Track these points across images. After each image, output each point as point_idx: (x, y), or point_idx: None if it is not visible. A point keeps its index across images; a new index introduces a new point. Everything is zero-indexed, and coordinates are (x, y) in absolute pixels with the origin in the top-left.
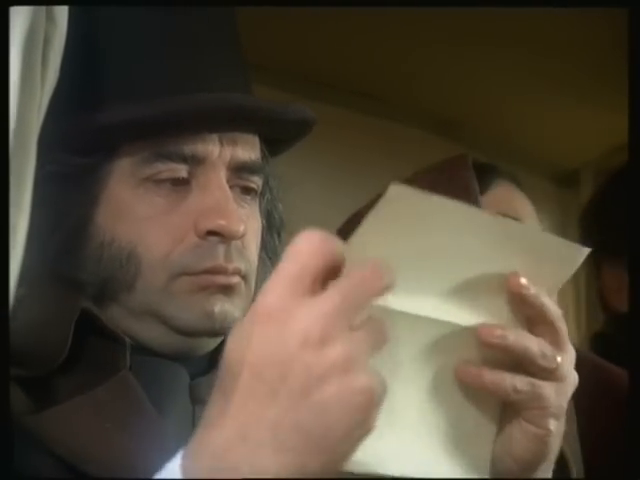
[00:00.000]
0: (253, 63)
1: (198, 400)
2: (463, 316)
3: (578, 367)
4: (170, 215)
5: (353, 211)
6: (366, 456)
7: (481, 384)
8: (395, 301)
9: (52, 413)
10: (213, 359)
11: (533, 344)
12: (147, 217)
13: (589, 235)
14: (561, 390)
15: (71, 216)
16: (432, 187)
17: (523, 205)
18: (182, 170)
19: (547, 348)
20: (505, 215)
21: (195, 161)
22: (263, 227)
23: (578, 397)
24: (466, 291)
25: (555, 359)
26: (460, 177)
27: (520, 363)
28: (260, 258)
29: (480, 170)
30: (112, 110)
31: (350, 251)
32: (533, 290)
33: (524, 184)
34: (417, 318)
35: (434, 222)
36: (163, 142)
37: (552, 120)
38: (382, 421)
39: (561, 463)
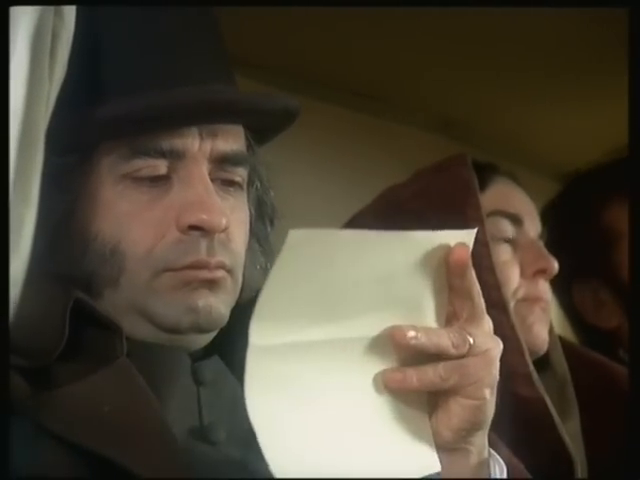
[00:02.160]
0: (252, 61)
1: (203, 382)
2: (381, 324)
3: (579, 365)
4: (152, 211)
5: (354, 210)
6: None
7: (410, 386)
8: (319, 332)
9: (51, 397)
10: (211, 342)
11: (443, 338)
12: (129, 213)
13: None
14: (486, 359)
15: (54, 213)
16: (432, 186)
17: (523, 203)
18: (161, 166)
19: (457, 336)
20: (505, 212)
21: (175, 156)
22: (252, 216)
23: (579, 395)
24: (379, 301)
25: (466, 344)
26: (460, 176)
27: (436, 356)
28: (250, 248)
29: (479, 169)
30: (90, 108)
31: (264, 294)
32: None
33: (525, 183)
34: (341, 341)
35: (338, 252)
36: (141, 138)
37: (552, 119)
38: (328, 438)
39: (567, 463)
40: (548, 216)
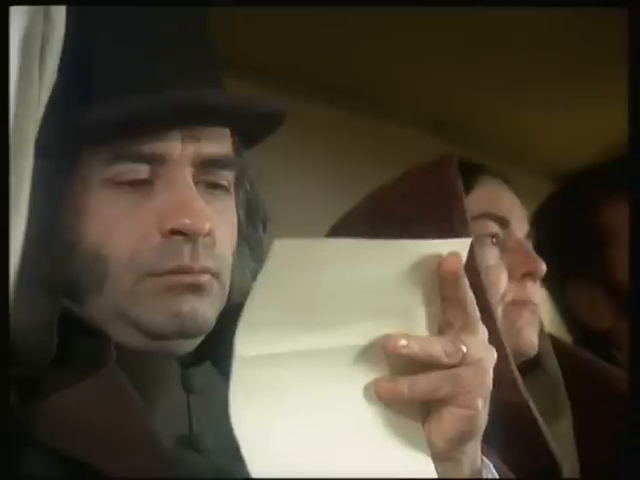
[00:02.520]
0: (243, 62)
1: (192, 389)
2: (371, 334)
3: (574, 367)
4: (134, 215)
5: (347, 210)
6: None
7: (401, 396)
8: (307, 341)
9: (39, 406)
10: (202, 349)
11: (436, 347)
12: (112, 218)
13: (548, 255)
14: (479, 368)
15: (37, 218)
16: (418, 189)
17: (510, 204)
18: (143, 171)
19: (449, 345)
20: (492, 215)
21: (156, 160)
22: (242, 220)
23: (572, 395)
24: (368, 311)
25: (459, 352)
26: (444, 179)
27: (428, 365)
28: (239, 252)
29: (466, 169)
30: (73, 112)
31: (250, 305)
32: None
33: (520, 183)
34: (330, 350)
35: (324, 262)
36: (122, 143)
37: (550, 120)
38: (316, 449)
39: (552, 468)
40: (544, 214)
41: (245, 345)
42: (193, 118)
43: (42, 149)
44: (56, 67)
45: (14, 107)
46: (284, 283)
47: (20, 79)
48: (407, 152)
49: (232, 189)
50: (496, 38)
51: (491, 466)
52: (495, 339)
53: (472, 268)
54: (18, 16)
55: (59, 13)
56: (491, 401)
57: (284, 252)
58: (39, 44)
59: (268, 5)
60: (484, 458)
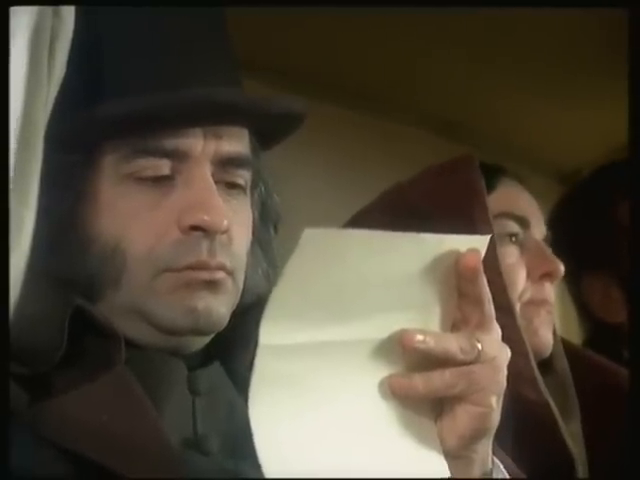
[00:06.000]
0: (251, 63)
1: (198, 392)
2: (389, 327)
3: (578, 366)
4: (154, 211)
5: (356, 210)
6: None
7: (415, 392)
8: (328, 333)
9: (47, 406)
10: (209, 351)
11: (452, 343)
12: (131, 213)
13: (564, 250)
14: (494, 366)
15: (55, 213)
16: (439, 187)
17: (529, 205)
18: (164, 166)
19: (465, 342)
20: (512, 214)
21: (178, 156)
22: (256, 220)
23: (582, 397)
24: (388, 304)
25: (474, 350)
26: (467, 178)
27: (444, 361)
28: (252, 252)
29: (485, 170)
30: (94, 107)
31: (277, 292)
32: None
33: (526, 183)
34: (349, 343)
35: (350, 253)
36: (144, 138)
37: (554, 120)
38: (332, 441)
39: (569, 466)
40: (563, 209)
41: (269, 334)
42: (211, 116)
43: (57, 143)
44: (65, 62)
45: (23, 102)
46: (311, 272)
47: (29, 75)
48: (415, 151)
49: (248, 189)
50: (501, 39)
51: (501, 466)
52: (516, 337)
53: (494, 266)
54: (27, 12)
55: (69, 9)
56: (511, 398)
57: (313, 241)
58: (48, 40)
59: (276, 6)
60: (494, 458)
